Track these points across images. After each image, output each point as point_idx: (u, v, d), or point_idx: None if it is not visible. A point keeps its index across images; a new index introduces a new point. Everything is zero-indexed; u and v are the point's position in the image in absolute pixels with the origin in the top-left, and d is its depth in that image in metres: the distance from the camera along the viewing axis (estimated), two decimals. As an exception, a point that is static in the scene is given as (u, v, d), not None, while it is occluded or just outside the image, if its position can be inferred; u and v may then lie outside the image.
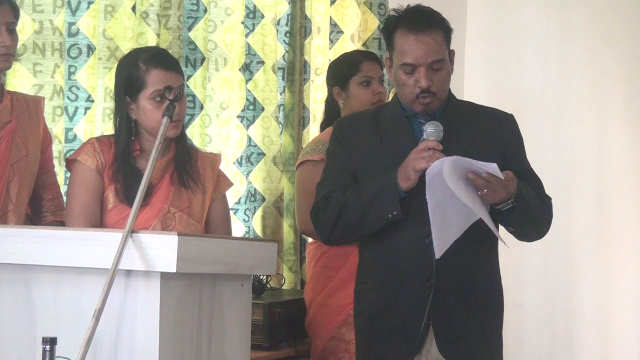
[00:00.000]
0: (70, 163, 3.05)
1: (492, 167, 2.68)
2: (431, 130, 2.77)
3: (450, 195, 2.70)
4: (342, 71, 3.84)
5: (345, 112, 3.78)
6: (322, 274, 3.69)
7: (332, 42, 4.56)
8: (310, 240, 3.95)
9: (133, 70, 2.97)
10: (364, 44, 4.62)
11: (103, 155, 2.98)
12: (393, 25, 2.89)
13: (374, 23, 4.66)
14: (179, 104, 2.92)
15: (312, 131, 4.41)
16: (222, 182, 3.14)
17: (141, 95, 2.96)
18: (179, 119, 2.97)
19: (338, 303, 3.61)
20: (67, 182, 3.37)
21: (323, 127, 3.95)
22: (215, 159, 3.17)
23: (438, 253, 2.75)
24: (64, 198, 3.38)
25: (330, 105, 3.92)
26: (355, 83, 3.79)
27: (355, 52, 4.10)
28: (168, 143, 3.04)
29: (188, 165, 3.05)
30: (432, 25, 2.85)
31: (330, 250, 3.62)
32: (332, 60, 4.37)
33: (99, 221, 2.97)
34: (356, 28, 4.60)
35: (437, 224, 2.72)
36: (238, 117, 4.13)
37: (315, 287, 3.70)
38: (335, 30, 4.57)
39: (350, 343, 3.50)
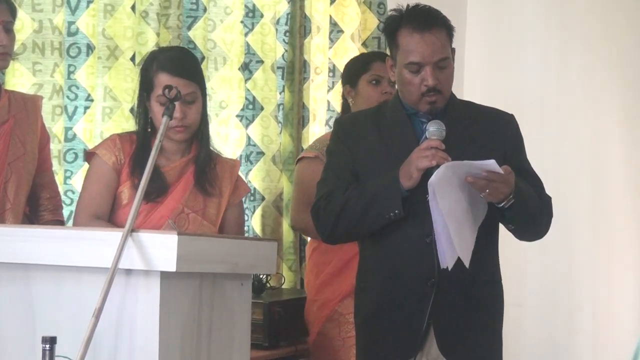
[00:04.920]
0: (89, 156, 3.10)
1: (491, 164, 2.67)
2: (434, 129, 2.77)
3: (456, 201, 2.70)
4: (353, 69, 3.84)
5: (354, 111, 3.78)
6: (313, 270, 3.73)
7: (332, 41, 4.56)
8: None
9: (148, 70, 3.03)
10: (364, 43, 4.62)
11: (123, 151, 3.02)
12: (396, 25, 2.88)
13: (373, 22, 4.65)
14: (188, 110, 2.95)
15: (312, 130, 4.40)
16: (240, 188, 3.17)
17: (151, 95, 2.99)
18: (185, 124, 2.98)
19: (325, 298, 3.63)
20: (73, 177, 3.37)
21: None
22: (234, 164, 3.20)
23: (444, 263, 2.74)
24: (62, 197, 3.39)
25: (346, 103, 3.92)
26: (365, 81, 3.79)
27: (369, 52, 4.15)
28: (189, 143, 3.06)
29: (207, 168, 3.06)
30: (437, 23, 2.85)
31: (319, 246, 3.66)
32: (331, 58, 4.37)
33: (106, 215, 3.00)
34: (356, 27, 4.60)
35: (454, 234, 2.70)
36: (237, 116, 4.13)
37: (309, 283, 3.75)
38: (335, 29, 4.57)
39: (334, 339, 3.54)
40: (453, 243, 2.71)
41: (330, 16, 4.56)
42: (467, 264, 2.73)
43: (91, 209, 2.98)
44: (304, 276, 3.89)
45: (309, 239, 4.02)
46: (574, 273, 5.01)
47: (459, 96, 3.02)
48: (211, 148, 3.13)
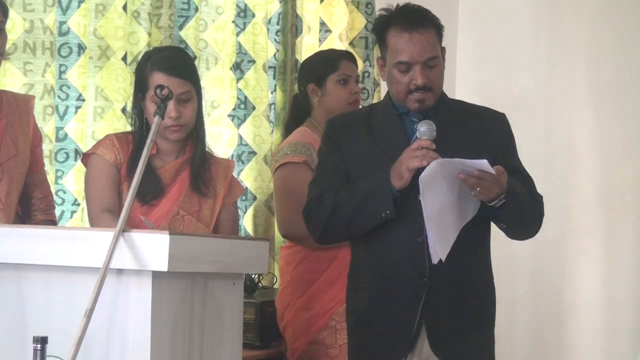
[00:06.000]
0: (87, 157, 3.08)
1: (483, 164, 2.68)
2: (424, 129, 2.78)
3: (443, 197, 2.70)
4: (319, 68, 3.77)
5: (319, 110, 3.74)
6: (303, 278, 3.61)
7: (320, 41, 4.55)
8: (284, 244, 3.80)
9: (143, 70, 3.02)
10: (351, 43, 4.62)
11: (121, 151, 3.01)
12: (385, 25, 2.89)
13: (360, 22, 4.65)
14: (183, 109, 2.95)
15: (305, 130, 4.40)
16: (235, 189, 3.16)
17: (146, 95, 2.98)
18: (180, 123, 2.98)
19: (320, 307, 3.55)
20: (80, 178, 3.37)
21: (289, 126, 3.87)
22: (229, 165, 3.19)
23: (435, 258, 2.74)
24: (54, 197, 3.38)
25: (298, 105, 3.85)
26: (332, 81, 3.74)
27: (332, 51, 4.03)
28: (184, 144, 3.06)
29: (202, 169, 3.05)
30: (425, 22, 2.87)
31: (312, 254, 3.57)
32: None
33: (117, 208, 2.98)
34: (344, 27, 4.60)
35: (434, 229, 2.71)
36: (229, 116, 4.13)
37: (294, 291, 3.61)
38: (323, 29, 4.57)
39: (331, 347, 3.50)
40: (434, 238, 2.71)
41: (319, 16, 4.56)
42: (443, 258, 2.73)
43: (102, 204, 2.98)
44: (286, 284, 3.68)
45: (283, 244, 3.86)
46: (567, 272, 5.01)
47: (450, 95, 3.03)
48: (206, 149, 3.13)
